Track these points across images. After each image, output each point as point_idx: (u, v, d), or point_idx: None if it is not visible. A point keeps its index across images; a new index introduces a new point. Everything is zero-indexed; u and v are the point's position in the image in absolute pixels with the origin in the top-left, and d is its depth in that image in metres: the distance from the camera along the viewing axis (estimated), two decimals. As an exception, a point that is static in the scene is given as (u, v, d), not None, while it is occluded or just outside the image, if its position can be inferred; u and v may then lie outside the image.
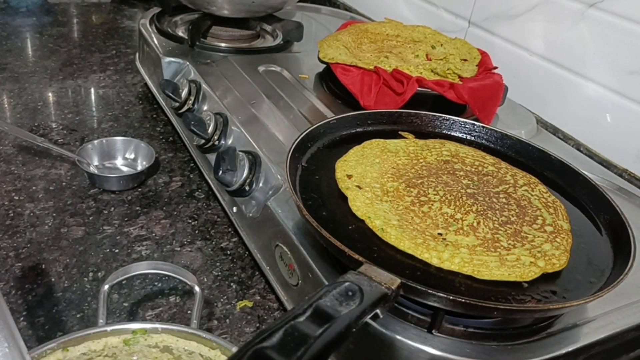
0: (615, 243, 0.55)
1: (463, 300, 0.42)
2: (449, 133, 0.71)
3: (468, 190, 0.58)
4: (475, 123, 0.71)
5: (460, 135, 0.71)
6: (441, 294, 0.42)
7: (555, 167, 0.65)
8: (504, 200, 0.57)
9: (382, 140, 0.65)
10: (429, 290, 0.42)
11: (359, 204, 0.53)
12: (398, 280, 0.40)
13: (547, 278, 0.48)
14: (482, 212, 0.54)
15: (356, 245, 0.49)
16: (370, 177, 0.58)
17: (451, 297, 0.42)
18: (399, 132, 0.69)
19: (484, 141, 0.71)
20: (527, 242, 0.51)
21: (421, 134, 0.70)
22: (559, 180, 0.65)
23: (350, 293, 0.37)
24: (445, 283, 0.46)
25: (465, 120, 0.71)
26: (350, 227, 0.51)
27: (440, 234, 0.51)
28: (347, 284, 0.38)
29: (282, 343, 0.31)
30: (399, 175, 0.59)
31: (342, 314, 0.35)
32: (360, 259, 0.43)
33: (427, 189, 0.57)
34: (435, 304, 0.43)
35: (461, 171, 0.61)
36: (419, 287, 0.42)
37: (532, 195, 0.59)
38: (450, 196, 0.56)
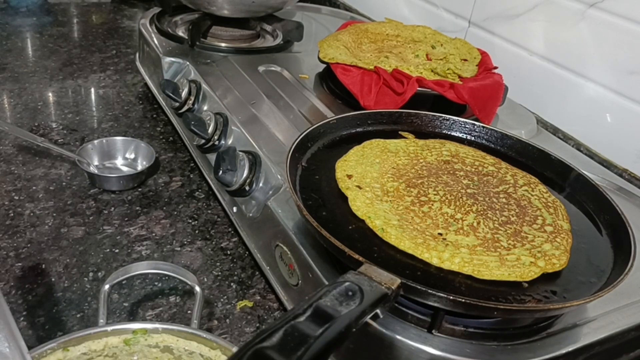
0: (615, 243, 0.55)
1: (463, 300, 0.42)
2: (449, 133, 0.71)
3: (468, 191, 0.58)
4: (476, 123, 0.71)
5: (460, 135, 0.71)
6: (441, 294, 0.42)
7: (555, 167, 0.65)
8: (504, 200, 0.57)
9: (382, 140, 0.65)
10: (429, 290, 0.42)
11: (359, 204, 0.53)
12: (398, 280, 0.40)
13: (547, 278, 0.48)
14: (482, 212, 0.54)
15: (356, 245, 0.49)
16: (370, 177, 0.58)
17: (451, 297, 0.42)
18: (399, 132, 0.69)
19: (484, 141, 0.71)
20: (527, 242, 0.51)
21: (421, 134, 0.70)
22: (559, 180, 0.65)
23: (350, 293, 0.37)
24: (446, 283, 0.46)
25: (465, 120, 0.71)
26: (350, 227, 0.51)
27: (440, 234, 0.51)
28: (347, 284, 0.38)
29: (282, 343, 0.31)
30: (399, 175, 0.59)
31: (342, 313, 0.35)
32: (361, 259, 0.43)
33: (427, 189, 0.57)
34: (436, 304, 0.43)
35: (461, 171, 0.61)
36: (419, 287, 0.42)
37: (532, 195, 0.59)
38: (450, 196, 0.56)
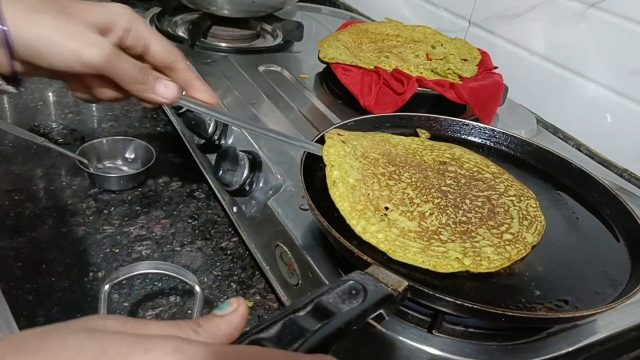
0: (633, 254, 0.54)
1: (470, 306, 0.41)
2: (468, 138, 0.70)
3: (443, 188, 0.56)
4: (495, 129, 0.70)
5: (479, 140, 0.70)
6: (449, 298, 0.41)
7: (575, 176, 0.64)
8: (479, 203, 0.55)
9: (387, 134, 0.64)
10: (437, 294, 0.41)
11: (332, 151, 0.53)
12: (405, 283, 0.40)
13: (561, 287, 0.48)
14: (442, 207, 0.53)
15: (367, 246, 0.49)
16: (359, 143, 0.57)
17: (459, 302, 0.41)
18: (417, 129, 0.68)
19: (503, 147, 0.69)
20: (471, 241, 0.50)
21: (439, 138, 0.69)
22: (578, 189, 0.63)
23: (354, 292, 0.37)
24: (454, 288, 0.46)
25: (484, 126, 0.70)
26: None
27: (386, 208, 0.51)
28: (351, 282, 0.38)
29: (279, 335, 0.31)
30: (386, 154, 0.58)
31: (343, 311, 0.35)
32: (369, 260, 0.43)
33: (404, 172, 0.57)
34: (443, 309, 0.43)
35: (452, 173, 0.60)
36: (427, 291, 0.42)
37: (514, 206, 0.56)
38: (420, 184, 0.55)
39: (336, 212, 0.53)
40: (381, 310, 0.38)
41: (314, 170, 0.58)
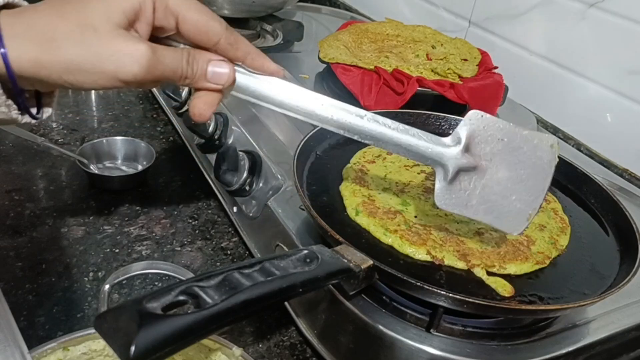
0: (622, 247, 0.55)
1: (428, 288, 0.42)
2: None
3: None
4: None
5: None
6: (411, 280, 0.42)
7: (577, 176, 0.65)
8: None
9: None
10: (399, 275, 0.42)
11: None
12: (370, 262, 0.41)
13: (540, 283, 0.48)
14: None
15: (346, 230, 0.50)
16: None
17: (419, 284, 0.42)
18: None
19: None
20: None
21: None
22: (574, 187, 0.64)
23: (308, 260, 0.38)
24: (425, 275, 0.47)
25: None
26: (345, 213, 0.53)
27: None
28: (306, 251, 0.38)
29: (217, 285, 0.33)
30: None
31: (289, 272, 0.36)
32: (340, 239, 0.44)
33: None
34: (405, 290, 0.44)
35: None
36: (390, 272, 0.42)
37: None
38: None
39: (325, 197, 0.54)
40: (338, 282, 0.39)
41: (314, 157, 0.60)
